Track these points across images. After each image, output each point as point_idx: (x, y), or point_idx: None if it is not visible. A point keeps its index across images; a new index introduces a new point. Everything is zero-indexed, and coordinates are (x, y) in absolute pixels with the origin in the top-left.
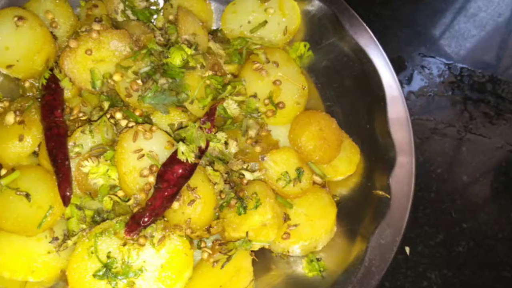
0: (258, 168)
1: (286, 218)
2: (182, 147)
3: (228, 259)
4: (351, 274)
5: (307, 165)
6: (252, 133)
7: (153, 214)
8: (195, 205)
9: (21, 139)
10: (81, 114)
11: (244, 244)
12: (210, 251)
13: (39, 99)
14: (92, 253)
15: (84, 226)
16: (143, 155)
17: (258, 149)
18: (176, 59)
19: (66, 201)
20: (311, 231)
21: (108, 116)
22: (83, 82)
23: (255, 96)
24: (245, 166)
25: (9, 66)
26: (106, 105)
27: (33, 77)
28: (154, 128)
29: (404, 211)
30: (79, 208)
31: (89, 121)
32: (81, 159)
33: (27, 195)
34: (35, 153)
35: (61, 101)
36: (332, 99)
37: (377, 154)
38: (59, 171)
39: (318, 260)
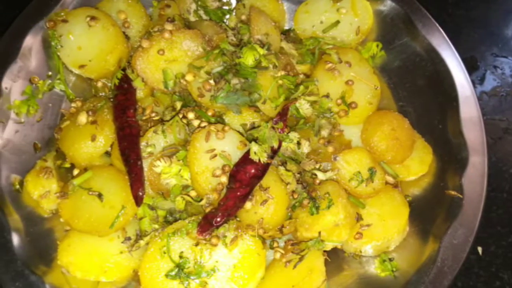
0: (331, 168)
1: (359, 218)
2: (254, 147)
3: (301, 259)
4: (424, 274)
5: (380, 165)
6: (324, 133)
7: (225, 214)
8: (268, 205)
9: (93, 139)
10: (153, 114)
11: (317, 244)
12: (282, 251)
13: (112, 99)
14: (164, 253)
15: (156, 226)
16: (215, 155)
17: (330, 149)
18: (248, 59)
19: (138, 201)
20: (383, 231)
21: (181, 116)
22: (156, 82)
23: (327, 96)
24: (317, 166)
25: (81, 66)
26: (178, 105)
27: (106, 77)
28: (226, 128)
29: (476, 211)
30: (152, 208)
31: (162, 121)
32: (154, 159)
33: (100, 195)
34: (107, 153)
35: (133, 101)
36: (405, 99)
37: (449, 154)
38: (131, 171)
39: (390, 260)
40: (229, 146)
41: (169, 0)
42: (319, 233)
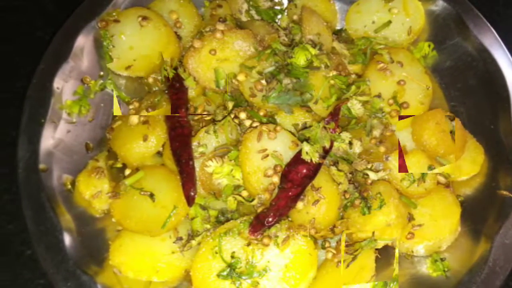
0: (382, 168)
1: (410, 218)
2: (306, 147)
3: (354, 259)
4: (475, 274)
5: (436, 161)
6: (376, 133)
7: (277, 214)
8: (320, 205)
9: (145, 139)
10: (205, 113)
11: (370, 244)
12: (334, 251)
13: (166, 92)
14: (216, 253)
15: (208, 226)
16: (267, 155)
17: (382, 149)
18: (300, 59)
19: (190, 201)
20: (435, 231)
21: (232, 116)
22: (207, 81)
23: (379, 96)
24: (369, 166)
25: (128, 67)
26: (230, 105)
27: (154, 71)
28: (278, 128)
29: None
30: (203, 208)
31: (213, 121)
32: (205, 159)
33: (151, 195)
34: (159, 153)
35: (185, 100)
36: (456, 99)
37: (501, 154)
38: (183, 171)
39: (442, 260)
40: (281, 146)
41: (220, 0)
42: (373, 233)
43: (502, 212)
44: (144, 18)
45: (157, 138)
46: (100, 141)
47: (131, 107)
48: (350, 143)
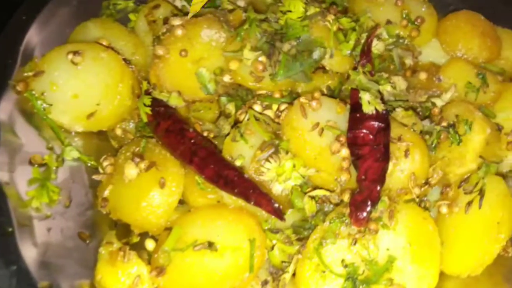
0: (439, 92)
1: (500, 127)
2: (366, 96)
3: (481, 194)
4: None
5: (482, 68)
6: (408, 61)
7: (375, 186)
8: (412, 153)
9: (162, 185)
10: (205, 134)
11: (491, 168)
12: (447, 202)
13: (150, 137)
14: (324, 271)
15: (291, 249)
16: (322, 129)
17: (423, 75)
18: (298, 7)
19: (279, 214)
20: None
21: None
22: (191, 91)
23: (390, 22)
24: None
25: (90, 115)
26: (231, 107)
27: (122, 118)
28: (316, 94)
29: None
30: (275, 231)
31: (236, 125)
32: (256, 169)
33: (210, 245)
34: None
35: (182, 121)
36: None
37: None
38: (245, 188)
39: None
40: (331, 113)
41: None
42: (481, 157)
43: None
44: (75, 53)
45: (176, 178)
46: (95, 223)
47: (106, 163)
48: (391, 83)
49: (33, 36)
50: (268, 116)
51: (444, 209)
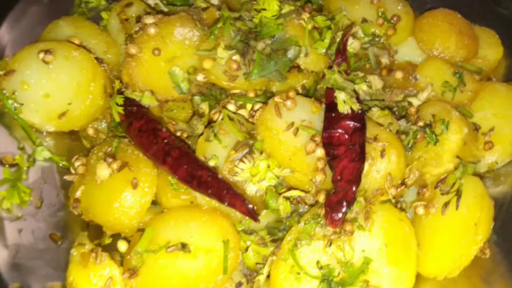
0: (416, 92)
1: (477, 127)
2: (341, 95)
3: (458, 195)
4: None
5: (459, 67)
6: (384, 60)
7: (350, 187)
8: (388, 153)
9: (135, 185)
10: (178, 133)
11: (467, 169)
12: (424, 203)
13: (123, 136)
14: (298, 273)
15: (265, 251)
16: (297, 129)
17: (399, 74)
18: (272, 5)
19: (253, 214)
20: (509, 126)
21: (217, 115)
22: (164, 91)
23: (365, 20)
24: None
25: (62, 115)
26: (205, 106)
27: (94, 118)
28: (291, 94)
29: None
30: (249, 232)
31: (209, 125)
32: (229, 169)
33: (184, 246)
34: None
35: (155, 120)
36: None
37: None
38: (218, 188)
39: None
40: (306, 113)
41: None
42: (458, 157)
43: None
44: (47, 52)
45: (149, 179)
46: (66, 224)
47: (78, 163)
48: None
49: (3, 34)
50: (242, 115)
51: (420, 210)
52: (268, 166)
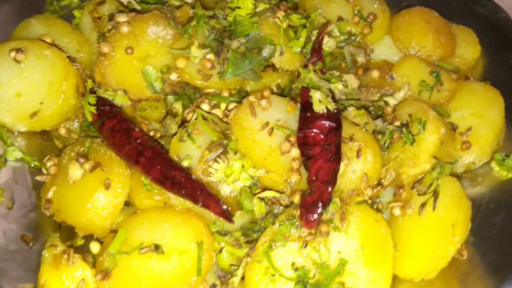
0: (392, 91)
1: (454, 126)
2: (317, 95)
3: (435, 195)
4: None
5: (436, 66)
6: (361, 58)
7: (326, 187)
8: (364, 153)
9: (107, 186)
10: (152, 133)
11: (444, 169)
12: (400, 204)
13: (95, 136)
14: (273, 275)
15: (240, 252)
16: (272, 129)
17: (375, 73)
18: (247, 4)
19: (228, 215)
20: (487, 125)
21: (191, 115)
22: (137, 90)
23: (341, 19)
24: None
25: (33, 115)
26: (179, 106)
27: (66, 118)
28: (266, 93)
29: None
30: (223, 234)
31: (183, 124)
32: (203, 170)
33: (157, 247)
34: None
35: (128, 120)
36: None
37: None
38: (192, 189)
39: (507, 156)
40: (281, 112)
41: None
42: (435, 157)
43: None
44: (18, 50)
45: (122, 179)
46: (38, 225)
47: (49, 164)
48: (342, 81)
49: None
50: (216, 115)
51: (397, 211)
52: (243, 167)
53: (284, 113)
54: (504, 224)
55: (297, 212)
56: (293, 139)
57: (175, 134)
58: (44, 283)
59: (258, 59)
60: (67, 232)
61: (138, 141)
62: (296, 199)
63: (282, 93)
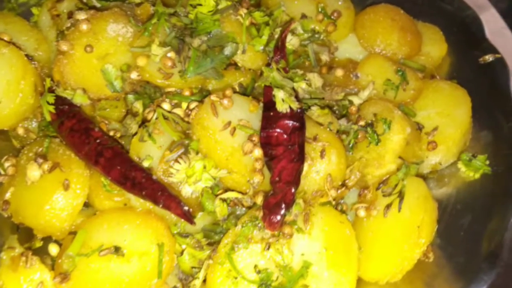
0: (356, 90)
1: (420, 126)
2: (280, 94)
3: (401, 196)
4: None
5: (402, 64)
6: (325, 57)
7: (289, 188)
8: (328, 154)
9: (66, 186)
10: (111, 133)
11: (409, 169)
12: (365, 205)
13: (54, 136)
14: (235, 277)
15: (202, 254)
16: (234, 129)
17: (339, 72)
18: (208, 1)
19: (189, 217)
20: (454, 125)
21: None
22: (96, 89)
23: (305, 16)
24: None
25: None
26: (139, 105)
27: (24, 117)
28: (228, 92)
29: None
30: (184, 236)
31: (143, 124)
32: (165, 170)
33: (117, 249)
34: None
35: (87, 120)
36: None
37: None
38: (153, 189)
39: (474, 156)
40: (243, 112)
41: None
42: (400, 157)
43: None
44: None
45: (81, 180)
46: None
47: (7, 164)
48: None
49: None
50: (177, 115)
51: (361, 212)
52: (204, 167)
53: (247, 113)
54: (471, 225)
55: (260, 214)
56: (255, 139)
57: (135, 134)
58: (2, 286)
59: (220, 57)
60: (25, 234)
61: (98, 141)
62: (259, 200)
63: (244, 92)
